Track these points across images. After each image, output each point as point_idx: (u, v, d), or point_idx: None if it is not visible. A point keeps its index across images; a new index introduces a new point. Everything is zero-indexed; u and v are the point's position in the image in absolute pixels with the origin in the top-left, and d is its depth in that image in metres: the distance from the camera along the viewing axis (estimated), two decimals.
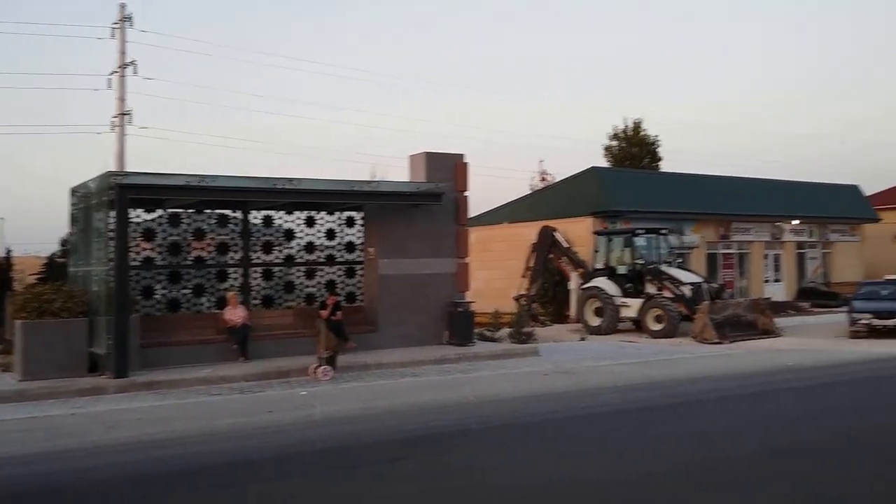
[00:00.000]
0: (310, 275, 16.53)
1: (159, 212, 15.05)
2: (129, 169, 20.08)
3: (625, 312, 21.55)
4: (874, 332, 18.86)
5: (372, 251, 16.56)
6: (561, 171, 57.73)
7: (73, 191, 15.47)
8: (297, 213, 16.32)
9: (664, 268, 21.72)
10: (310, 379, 13.21)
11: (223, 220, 15.70)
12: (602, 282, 22.12)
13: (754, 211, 30.36)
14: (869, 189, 36.68)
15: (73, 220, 15.56)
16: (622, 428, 9.15)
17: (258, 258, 16.00)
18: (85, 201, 14.70)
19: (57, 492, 6.79)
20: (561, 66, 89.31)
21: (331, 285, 16.51)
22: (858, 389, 12.11)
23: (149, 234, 15.02)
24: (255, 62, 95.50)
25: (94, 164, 75.08)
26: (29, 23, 75.91)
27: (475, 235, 20.45)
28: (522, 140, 76.28)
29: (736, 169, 65.72)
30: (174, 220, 15.19)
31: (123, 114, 27.15)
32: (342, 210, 16.68)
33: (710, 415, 10.06)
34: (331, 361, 13.51)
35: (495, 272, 26.78)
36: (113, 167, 25.03)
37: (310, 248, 16.56)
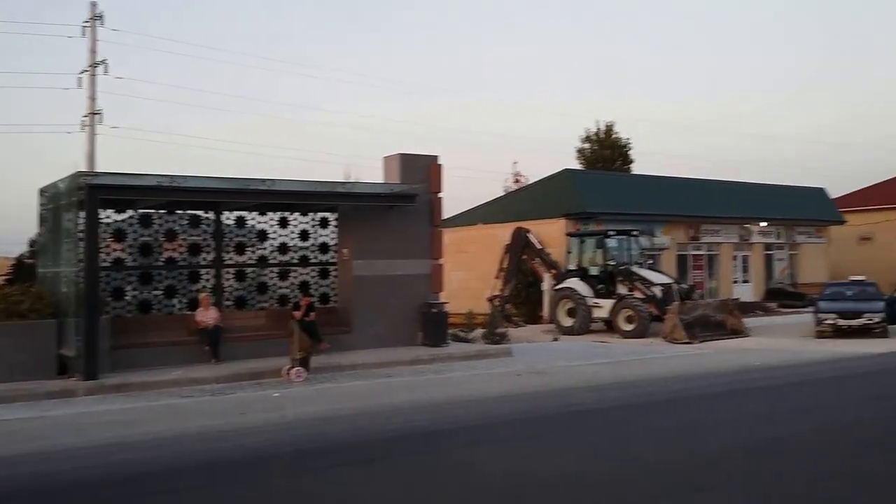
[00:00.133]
0: (283, 276, 16.48)
1: (130, 212, 14.92)
2: (99, 169, 19.92)
3: (597, 313, 21.76)
4: (839, 332, 19.25)
5: (346, 252, 16.55)
6: (534, 172, 57.96)
7: (42, 191, 15.27)
8: (270, 214, 16.24)
9: (635, 269, 21.98)
10: (283, 380, 13.16)
11: (195, 221, 15.58)
12: (574, 283, 22.31)
13: (723, 213, 30.82)
14: (835, 192, 37.47)
15: (42, 220, 15.36)
16: (594, 427, 9.25)
17: (231, 259, 15.90)
18: (54, 201, 14.52)
19: (23, 496, 6.71)
20: (535, 68, 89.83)
21: (304, 286, 16.48)
22: (824, 388, 12.36)
23: (119, 235, 14.86)
24: (228, 62, 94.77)
25: (63, 164, 74.00)
26: None
27: (449, 237, 20.51)
28: (496, 142, 76.60)
29: (706, 171, 66.52)
30: (145, 221, 15.05)
31: (94, 113, 26.88)
32: (316, 211, 16.65)
33: (680, 414, 10.20)
34: (304, 363, 13.47)
35: (469, 273, 26.89)
36: (83, 167, 24.78)
37: (283, 248, 16.50)
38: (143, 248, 15.03)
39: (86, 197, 12.92)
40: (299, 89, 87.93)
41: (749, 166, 74.55)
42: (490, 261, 25.60)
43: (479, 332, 18.94)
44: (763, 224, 32.32)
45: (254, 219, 16.13)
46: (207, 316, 14.55)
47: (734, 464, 7.13)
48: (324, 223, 16.87)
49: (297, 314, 13.89)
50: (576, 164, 40.40)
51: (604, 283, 21.97)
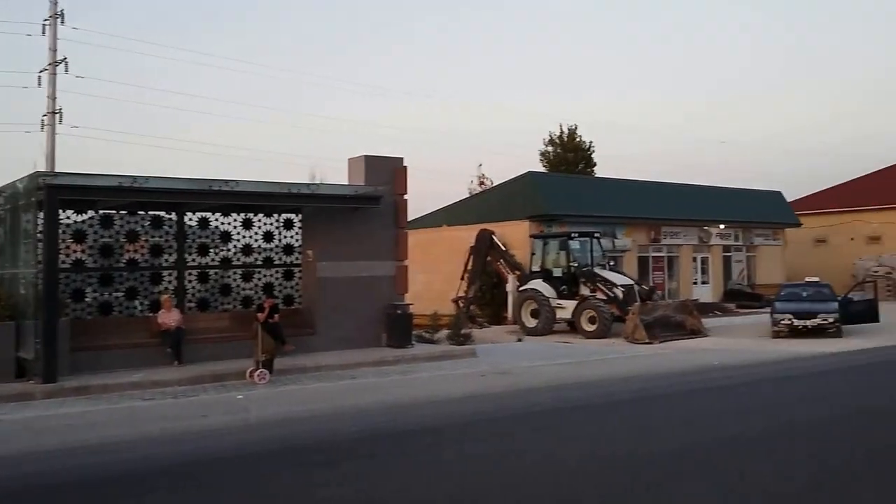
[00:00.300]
0: (247, 277, 16.41)
1: (90, 213, 14.74)
2: (59, 169, 19.58)
3: (560, 314, 22.00)
4: (795, 332, 19.69)
5: (310, 254, 16.53)
6: (498, 175, 58.32)
7: (0, 191, 15.00)
8: (234, 215, 16.17)
9: (598, 270, 22.29)
10: (246, 382, 13.11)
11: (157, 222, 15.45)
12: (538, 284, 22.53)
13: (683, 216, 31.36)
14: (791, 195, 38.33)
15: (0, 221, 15.08)
16: (556, 427, 9.36)
17: (193, 261, 15.79)
18: (12, 202, 14.28)
19: None
20: (499, 71, 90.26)
21: (268, 288, 16.43)
22: (781, 387, 12.62)
23: (79, 236, 14.69)
24: (193, 62, 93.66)
25: (22, 163, 72.39)
26: None
27: (414, 238, 20.57)
28: (461, 144, 76.86)
29: (667, 175, 67.57)
30: (106, 222, 14.88)
31: (54, 112, 26.42)
32: (280, 212, 16.61)
33: (641, 413, 10.36)
34: (268, 365, 13.43)
35: (434, 275, 26.98)
36: (42, 167, 24.41)
37: (247, 250, 16.43)
38: (104, 249, 14.85)
39: (45, 197, 12.75)
40: (265, 90, 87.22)
41: (707, 169, 75.84)
42: (455, 262, 25.72)
43: (443, 333, 19.05)
44: (722, 226, 32.95)
45: (217, 220, 16.04)
46: (169, 318, 14.43)
47: (692, 461, 7.29)
48: (288, 224, 16.83)
49: (261, 316, 13.84)
50: (539, 167, 40.79)
51: (567, 284, 22.23)
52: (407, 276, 17.47)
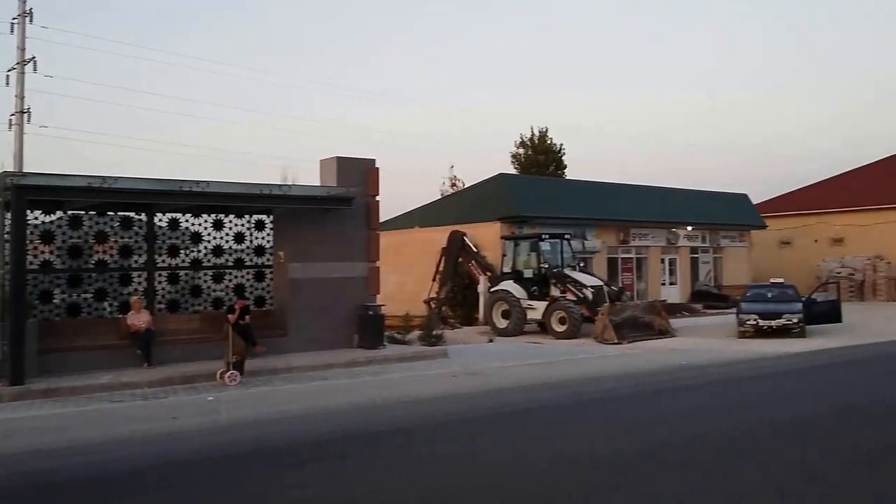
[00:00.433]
0: (217, 279, 16.34)
1: (59, 214, 14.59)
2: (27, 169, 19.33)
3: (531, 314, 22.16)
4: (760, 332, 20.03)
5: (282, 255, 16.50)
6: (470, 177, 58.52)
7: None
8: (204, 216, 16.09)
9: (568, 272, 22.50)
10: (217, 384, 13.06)
11: (127, 223, 15.33)
12: (509, 285, 22.68)
13: (652, 217, 31.77)
14: (756, 198, 38.98)
15: None
16: (526, 427, 9.45)
17: (163, 262, 15.69)
18: None
19: None
20: (471, 73, 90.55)
21: (239, 289, 16.37)
22: (746, 386, 12.82)
23: (47, 237, 14.52)
24: (164, 62, 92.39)
25: None
26: None
27: (386, 240, 20.62)
28: (433, 146, 76.97)
29: (636, 178, 68.24)
30: (75, 223, 14.74)
31: (22, 112, 26.07)
32: (251, 213, 16.56)
33: (609, 413, 10.49)
34: (238, 366, 13.39)
35: (406, 276, 27.05)
36: (10, 167, 24.10)
37: (218, 251, 16.35)
38: (73, 250, 14.71)
39: (12, 198, 12.62)
40: (238, 91, 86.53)
41: (677, 173, 76.79)
42: (427, 263, 25.80)
43: (415, 334, 19.10)
44: (689, 228, 33.42)
45: (187, 221, 15.94)
46: (139, 319, 14.34)
47: (661, 461, 7.40)
48: (259, 226, 16.78)
49: (232, 317, 13.81)
50: (511, 169, 41.05)
51: (537, 285, 22.40)
52: (379, 277, 17.51)
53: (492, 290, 23.33)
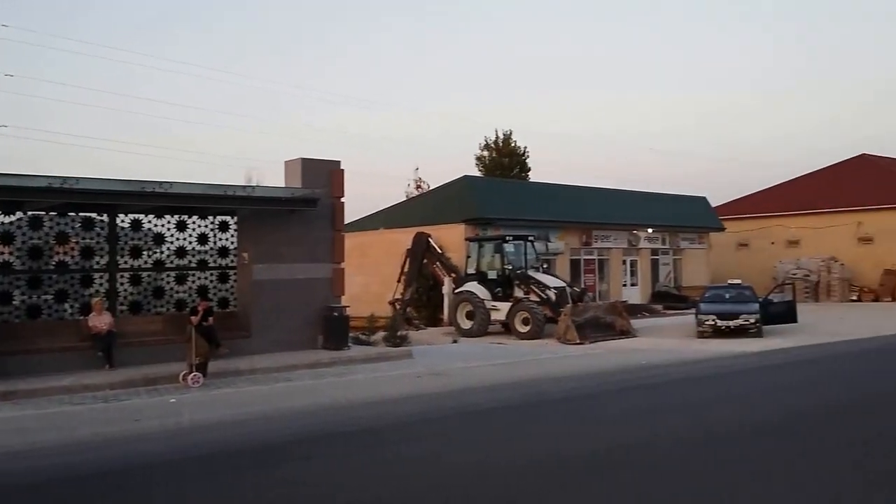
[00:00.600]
0: (180, 280, 16.22)
1: (19, 214, 14.37)
2: None
3: (495, 315, 22.35)
4: (718, 332, 20.43)
5: (246, 256, 16.44)
6: (435, 179, 58.70)
7: None
8: (167, 217, 15.97)
9: (531, 273, 22.76)
10: (180, 386, 12.99)
11: (88, 224, 15.16)
12: (473, 286, 22.85)
13: (613, 220, 32.23)
14: (715, 201, 39.76)
15: None
16: (490, 427, 9.54)
17: (125, 263, 15.54)
18: None
19: None
20: (436, 76, 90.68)
21: (203, 290, 16.27)
22: (705, 385, 13.10)
23: (6, 238, 14.31)
24: (129, 62, 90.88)
25: None
26: None
27: (351, 241, 20.64)
28: (398, 148, 76.91)
29: (599, 181, 69.04)
30: (35, 224, 14.54)
31: None
32: (215, 214, 16.47)
33: (573, 412, 10.62)
34: (201, 368, 13.34)
35: (371, 277, 27.08)
36: None
37: (181, 252, 16.24)
38: (33, 251, 14.51)
39: None
40: (200, 92, 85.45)
41: (638, 175, 77.85)
42: (392, 265, 25.87)
43: (380, 335, 19.16)
44: (650, 230, 33.96)
45: (150, 222, 15.81)
46: (101, 321, 14.20)
47: (621, 460, 7.50)
48: (223, 227, 16.70)
49: (195, 319, 13.75)
50: (475, 172, 41.28)
51: (501, 286, 22.61)
52: (343, 278, 17.53)
53: (456, 291, 23.48)
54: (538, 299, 21.74)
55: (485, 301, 22.42)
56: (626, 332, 21.60)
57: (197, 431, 9.65)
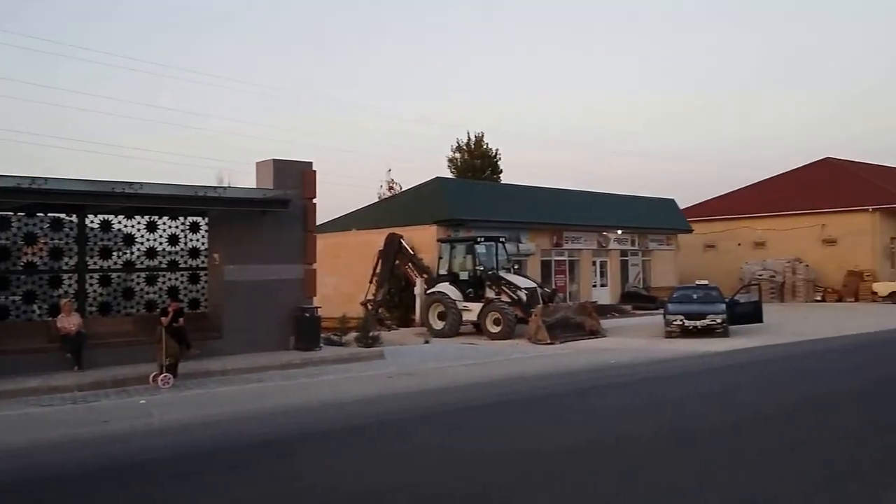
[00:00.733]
0: (151, 281, 16.12)
1: None
2: None
3: (466, 316, 22.49)
4: (686, 332, 20.76)
5: (217, 257, 16.38)
6: (408, 180, 58.78)
7: None
8: (137, 218, 15.85)
9: (503, 274, 22.95)
10: (150, 387, 12.93)
11: (57, 225, 15.01)
12: (445, 287, 22.96)
13: (584, 221, 32.53)
14: (683, 203, 40.28)
15: None
16: (460, 426, 9.66)
17: (95, 264, 15.41)
18: None
19: None
20: (409, 77, 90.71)
21: (173, 291, 16.19)
22: (670, 384, 13.35)
23: None
24: (98, 62, 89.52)
25: None
26: None
27: (323, 242, 20.64)
28: (371, 150, 76.80)
29: (568, 182, 69.57)
30: (3, 224, 14.37)
31: None
32: (186, 215, 16.39)
33: (540, 410, 10.79)
34: (172, 369, 13.30)
35: (343, 278, 27.08)
36: None
37: (151, 253, 16.14)
38: (1, 252, 14.33)
39: None
40: (171, 92, 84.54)
41: (607, 177, 78.57)
42: (364, 266, 25.88)
43: (352, 335, 19.18)
44: (619, 232, 34.34)
45: (120, 222, 15.70)
46: (69, 322, 14.07)
47: (589, 457, 7.67)
48: (194, 228, 16.62)
49: (165, 320, 13.67)
50: (448, 173, 41.42)
51: (473, 287, 22.76)
52: (315, 279, 17.54)
53: (428, 291, 23.58)
54: (509, 300, 21.92)
55: (456, 302, 22.55)
56: (596, 332, 21.86)
57: (167, 432, 9.62)
